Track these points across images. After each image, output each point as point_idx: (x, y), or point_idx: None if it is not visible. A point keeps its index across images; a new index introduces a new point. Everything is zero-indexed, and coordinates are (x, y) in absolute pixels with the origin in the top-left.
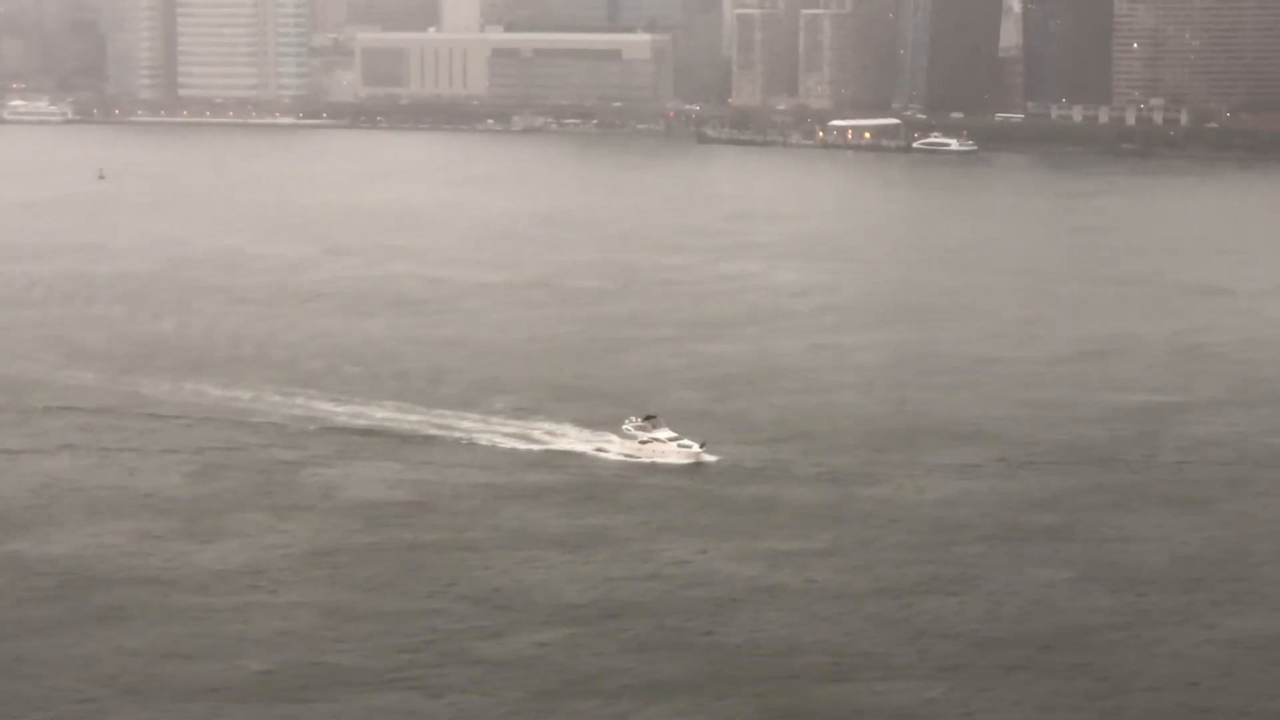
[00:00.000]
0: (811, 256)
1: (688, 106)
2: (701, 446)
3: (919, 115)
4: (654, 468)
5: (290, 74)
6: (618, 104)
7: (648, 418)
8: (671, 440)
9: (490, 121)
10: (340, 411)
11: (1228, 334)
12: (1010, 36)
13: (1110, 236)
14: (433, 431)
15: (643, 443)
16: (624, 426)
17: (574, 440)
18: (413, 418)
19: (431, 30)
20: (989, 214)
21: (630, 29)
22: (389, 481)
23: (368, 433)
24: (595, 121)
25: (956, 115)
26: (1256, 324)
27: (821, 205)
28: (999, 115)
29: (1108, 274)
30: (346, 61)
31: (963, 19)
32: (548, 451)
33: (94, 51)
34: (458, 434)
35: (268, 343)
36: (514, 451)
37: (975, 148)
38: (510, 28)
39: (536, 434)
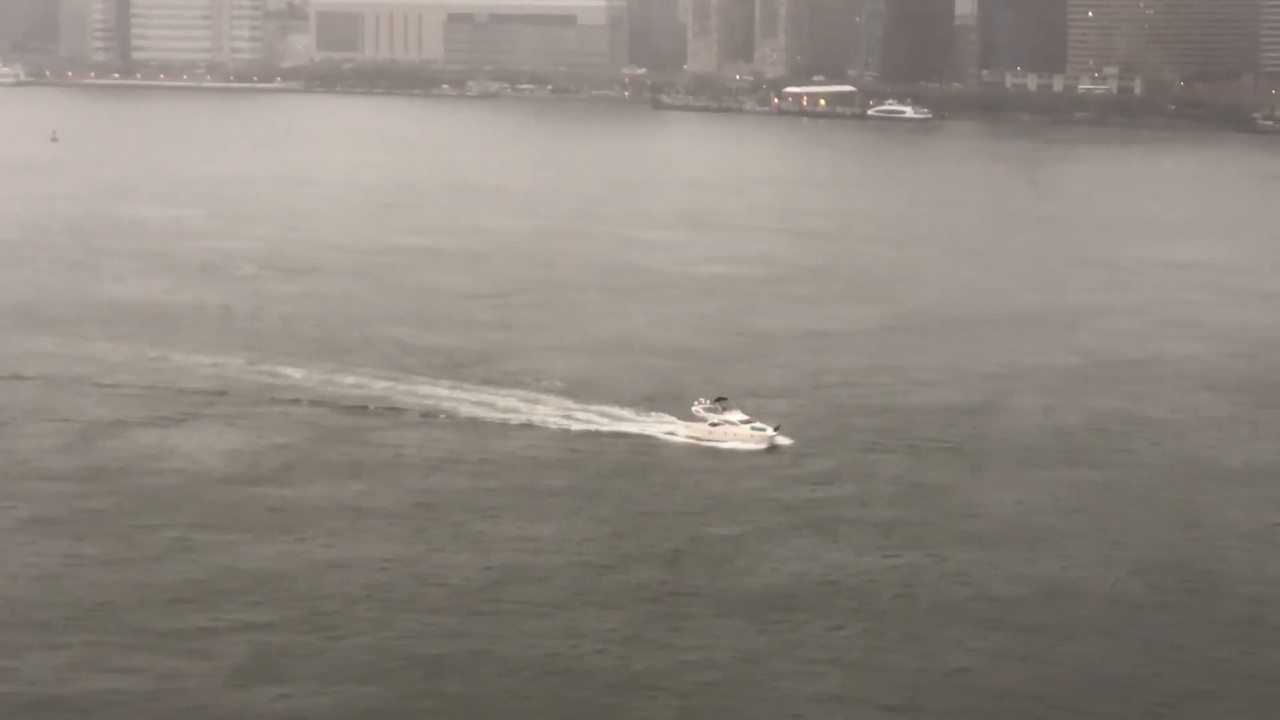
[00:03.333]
0: (737, 228)
1: (643, 73)
2: (776, 430)
3: (875, 82)
4: (729, 452)
5: (244, 37)
6: (573, 70)
7: (718, 399)
8: (744, 423)
9: (445, 87)
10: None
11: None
12: (966, 5)
13: (1052, 208)
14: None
15: (713, 425)
16: (693, 409)
17: (632, 423)
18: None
19: None
20: (931, 185)
21: None
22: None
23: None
24: (550, 87)
25: (912, 83)
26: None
27: (770, 173)
28: (954, 84)
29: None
30: (301, 25)
31: None
32: (609, 434)
33: (47, 14)
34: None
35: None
36: (571, 434)
37: (930, 116)
38: None
39: (588, 415)
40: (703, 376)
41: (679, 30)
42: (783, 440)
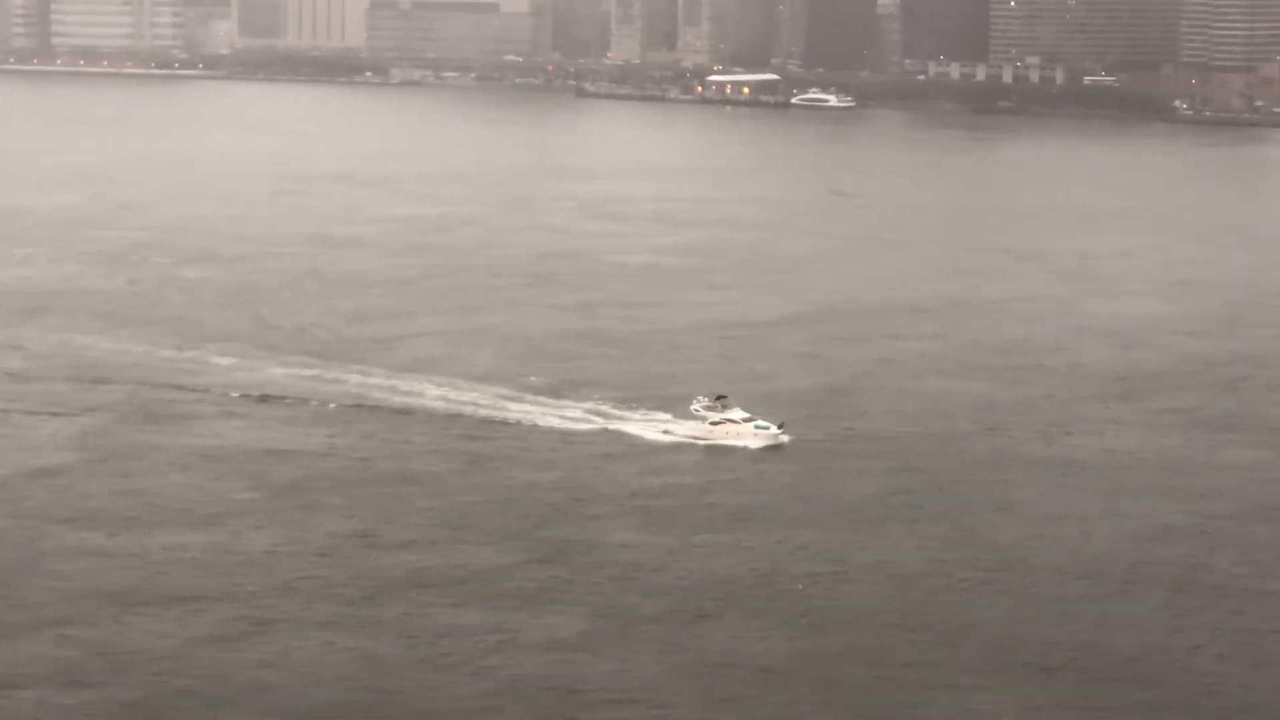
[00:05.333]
0: (655, 217)
1: (567, 60)
2: (780, 427)
3: (798, 71)
4: (731, 450)
5: (166, 24)
6: (497, 58)
7: (718, 398)
8: (746, 421)
9: (369, 74)
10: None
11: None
12: None
13: (972, 196)
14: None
15: (714, 424)
16: (692, 407)
17: (626, 422)
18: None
19: None
20: (852, 173)
21: None
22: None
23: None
24: (474, 75)
25: (835, 71)
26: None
27: (691, 162)
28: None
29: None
30: (223, 12)
31: None
32: (604, 432)
33: None
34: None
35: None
36: (571, 433)
37: (853, 104)
38: None
39: (577, 412)
40: (614, 368)
41: (603, 18)
42: (786, 438)
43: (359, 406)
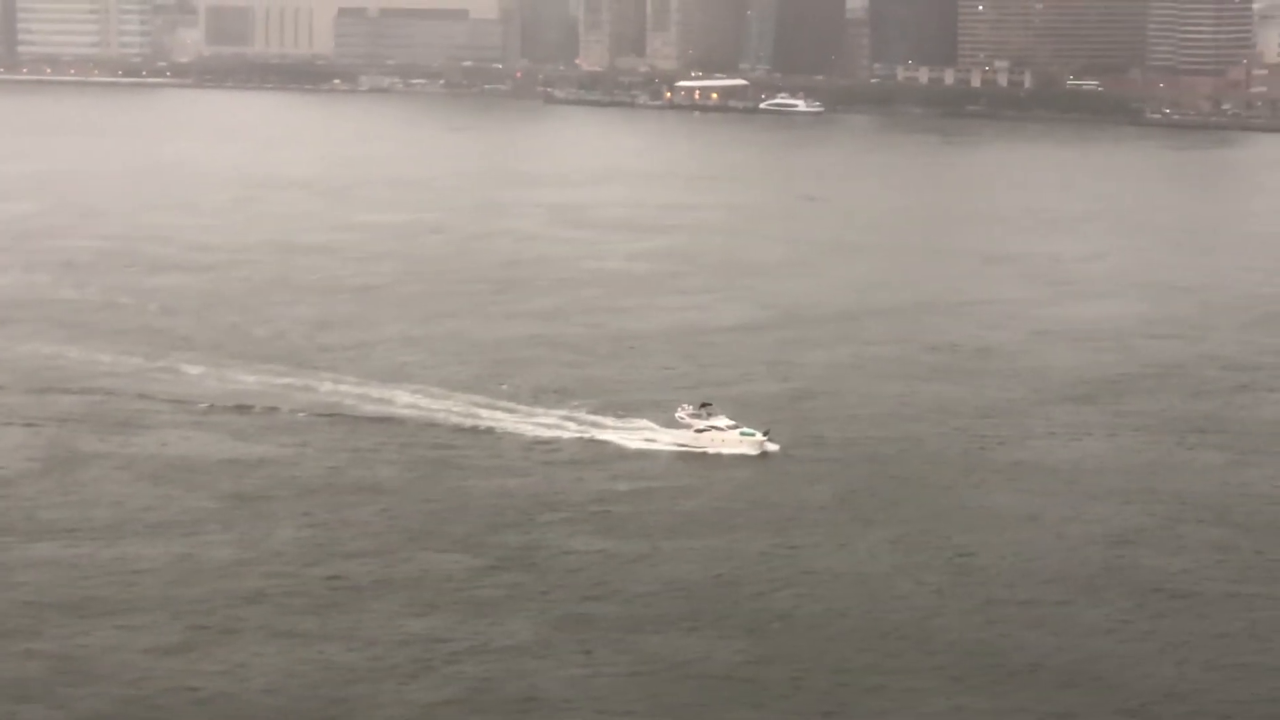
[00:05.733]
0: (623, 222)
1: (535, 66)
2: (765, 435)
3: (766, 76)
4: (714, 457)
5: (133, 32)
6: (465, 64)
7: (703, 405)
8: (732, 428)
9: (337, 81)
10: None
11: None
12: None
13: (942, 200)
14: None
15: (699, 431)
16: (677, 415)
17: (611, 430)
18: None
19: None
20: (821, 178)
21: None
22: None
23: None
24: (442, 82)
25: (804, 77)
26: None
27: (660, 167)
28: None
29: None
30: (190, 20)
31: None
32: (586, 440)
33: None
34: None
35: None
36: (549, 440)
37: (822, 109)
38: None
39: (554, 419)
40: (588, 374)
41: (571, 24)
42: (772, 446)
43: (328, 415)
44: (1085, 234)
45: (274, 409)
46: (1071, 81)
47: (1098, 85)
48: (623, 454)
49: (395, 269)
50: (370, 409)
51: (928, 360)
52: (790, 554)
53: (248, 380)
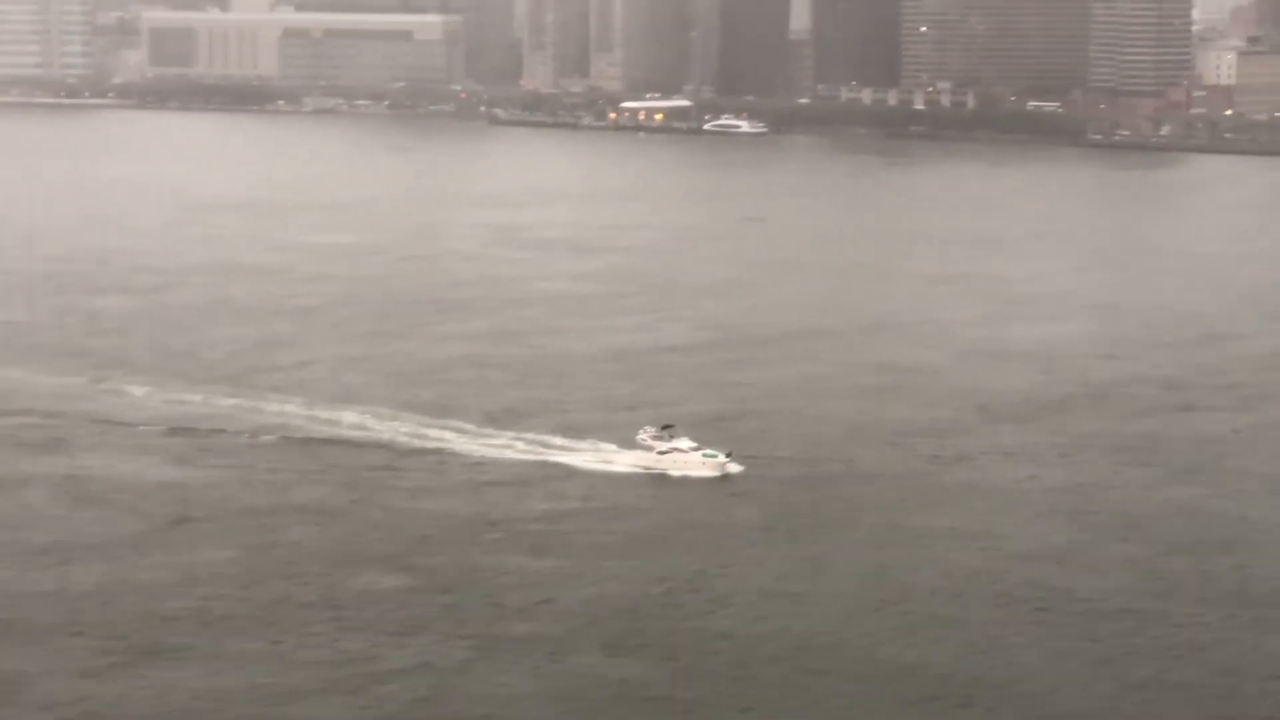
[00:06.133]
0: (564, 243)
1: (480, 88)
2: (728, 456)
3: (710, 97)
4: (679, 481)
5: (76, 53)
6: (409, 85)
7: (665, 427)
8: (694, 450)
9: (281, 102)
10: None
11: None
12: (801, 19)
13: (885, 221)
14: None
15: (661, 453)
16: (638, 436)
17: (570, 453)
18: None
19: (215, 11)
20: (763, 199)
21: (421, 10)
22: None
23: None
24: (387, 103)
25: (748, 98)
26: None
27: (602, 188)
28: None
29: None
30: (134, 41)
31: (754, 1)
32: (554, 465)
33: None
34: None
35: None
36: (510, 464)
37: (766, 130)
38: (301, 8)
39: (509, 443)
40: (534, 395)
41: (515, 46)
42: (735, 467)
43: (271, 436)
44: (1028, 254)
45: (216, 430)
46: (1033, 104)
47: (1058, 107)
48: (583, 476)
49: (337, 290)
50: (315, 430)
51: (873, 380)
52: (723, 573)
53: (190, 401)
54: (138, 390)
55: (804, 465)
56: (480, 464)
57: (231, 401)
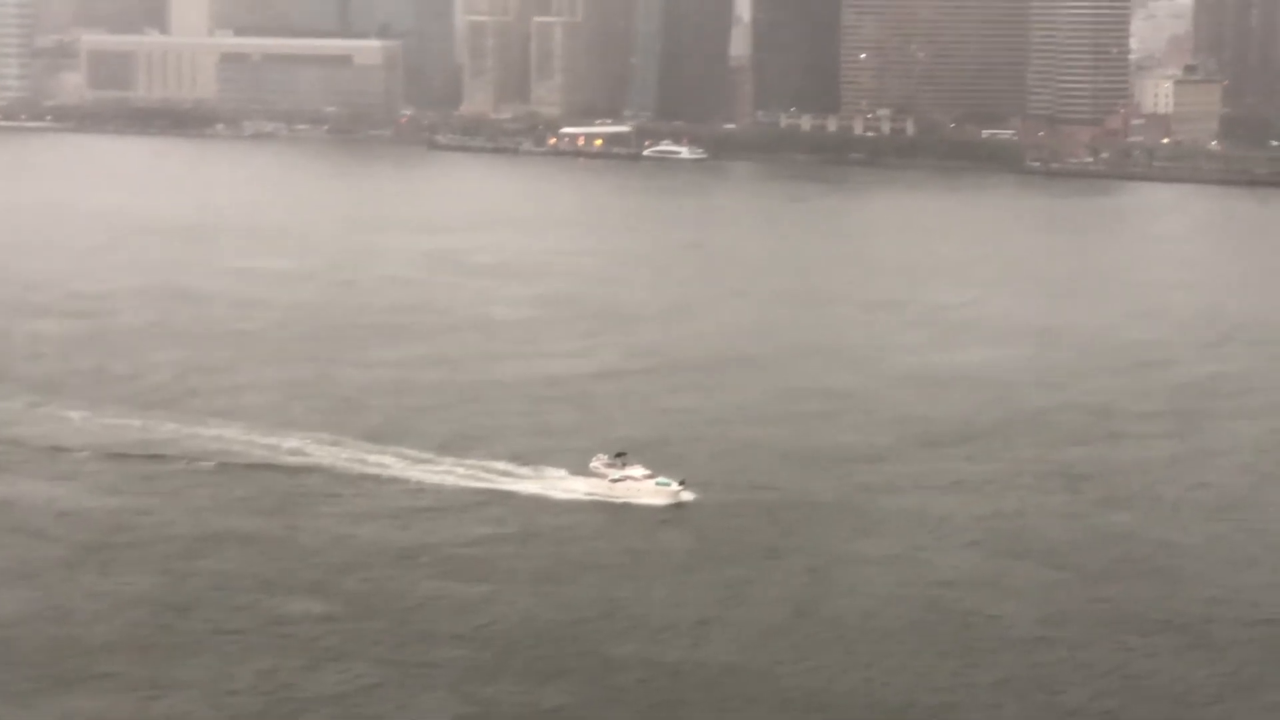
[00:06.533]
0: (502, 269)
1: (419, 113)
2: (681, 484)
3: (650, 123)
4: (632, 509)
5: (13, 75)
6: (349, 110)
7: (618, 455)
8: (648, 478)
9: (220, 126)
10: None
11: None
12: (740, 46)
13: (825, 247)
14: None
15: (614, 481)
16: (591, 464)
17: (523, 480)
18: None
19: (155, 34)
20: (702, 225)
21: (362, 35)
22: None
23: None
24: (326, 127)
25: (688, 124)
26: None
27: (540, 213)
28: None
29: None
30: (72, 64)
31: (694, 28)
32: (497, 492)
33: None
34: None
35: None
36: (451, 490)
37: (705, 156)
38: (240, 32)
39: (480, 471)
40: (477, 421)
41: (455, 71)
42: (688, 495)
43: (207, 462)
44: (966, 281)
45: (153, 456)
46: (987, 132)
47: (1013, 135)
48: (530, 503)
49: (274, 315)
50: (252, 455)
51: (810, 406)
52: (650, 601)
53: (127, 426)
54: (75, 415)
55: (741, 491)
56: (420, 490)
57: (169, 426)
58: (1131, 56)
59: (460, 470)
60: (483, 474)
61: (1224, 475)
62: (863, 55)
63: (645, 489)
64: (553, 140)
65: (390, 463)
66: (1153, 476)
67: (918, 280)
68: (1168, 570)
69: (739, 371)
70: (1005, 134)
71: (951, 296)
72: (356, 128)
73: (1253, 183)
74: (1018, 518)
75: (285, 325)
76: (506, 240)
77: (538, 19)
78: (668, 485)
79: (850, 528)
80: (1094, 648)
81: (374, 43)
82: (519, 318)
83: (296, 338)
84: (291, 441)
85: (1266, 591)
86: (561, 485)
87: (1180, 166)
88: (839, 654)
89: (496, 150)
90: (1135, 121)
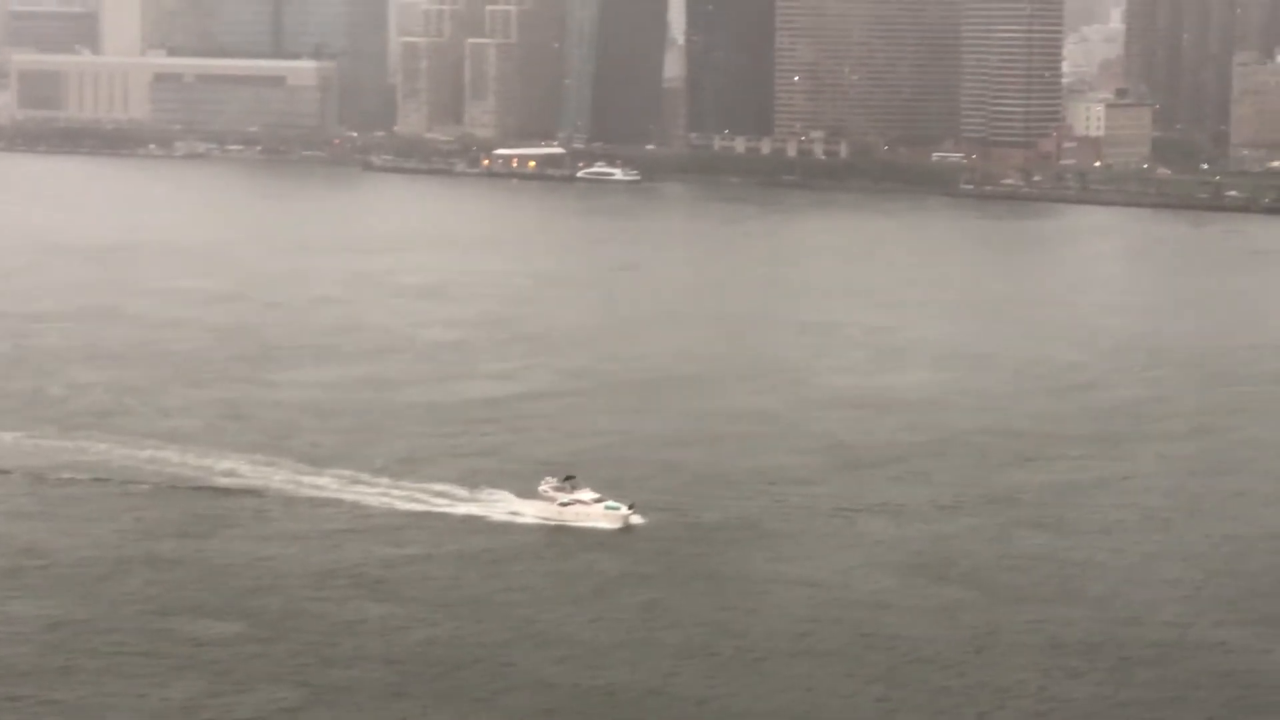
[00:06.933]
0: (431, 290)
1: (353, 134)
2: (630, 508)
3: (584, 144)
4: (583, 533)
5: None
6: (283, 131)
7: (567, 478)
8: (596, 502)
9: (152, 146)
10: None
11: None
12: (674, 68)
13: (755, 269)
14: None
15: (563, 505)
16: (540, 488)
17: (468, 503)
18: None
19: (86, 54)
20: (634, 246)
21: (295, 55)
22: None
23: None
24: (260, 148)
25: (622, 145)
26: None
27: (472, 235)
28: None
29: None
30: (2, 83)
31: (628, 50)
32: (440, 515)
33: None
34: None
35: None
36: (410, 514)
37: (639, 178)
38: (173, 52)
39: (420, 494)
40: (408, 444)
41: (389, 92)
42: (637, 519)
43: (135, 484)
44: (899, 303)
45: (79, 478)
46: (938, 155)
47: (963, 158)
48: (483, 527)
49: (203, 336)
50: (181, 477)
51: (740, 429)
52: (566, 623)
53: (53, 448)
54: (6, 437)
55: (670, 513)
56: (359, 513)
57: (100, 448)
58: (1064, 80)
59: (399, 493)
60: (426, 497)
61: (1151, 497)
62: (796, 78)
63: (594, 512)
64: (486, 161)
65: (327, 484)
66: (1080, 499)
67: (850, 302)
68: (1091, 592)
69: (671, 393)
70: (954, 157)
71: (884, 319)
72: (290, 149)
73: (1184, 206)
74: (938, 540)
75: (216, 346)
76: (440, 261)
77: (472, 40)
78: (617, 509)
79: (781, 550)
80: (1019, 670)
81: (308, 63)
82: (451, 339)
83: (228, 359)
84: (225, 463)
85: (1187, 613)
86: (509, 508)
87: (1111, 189)
88: (762, 677)
89: (431, 171)
90: (1067, 144)
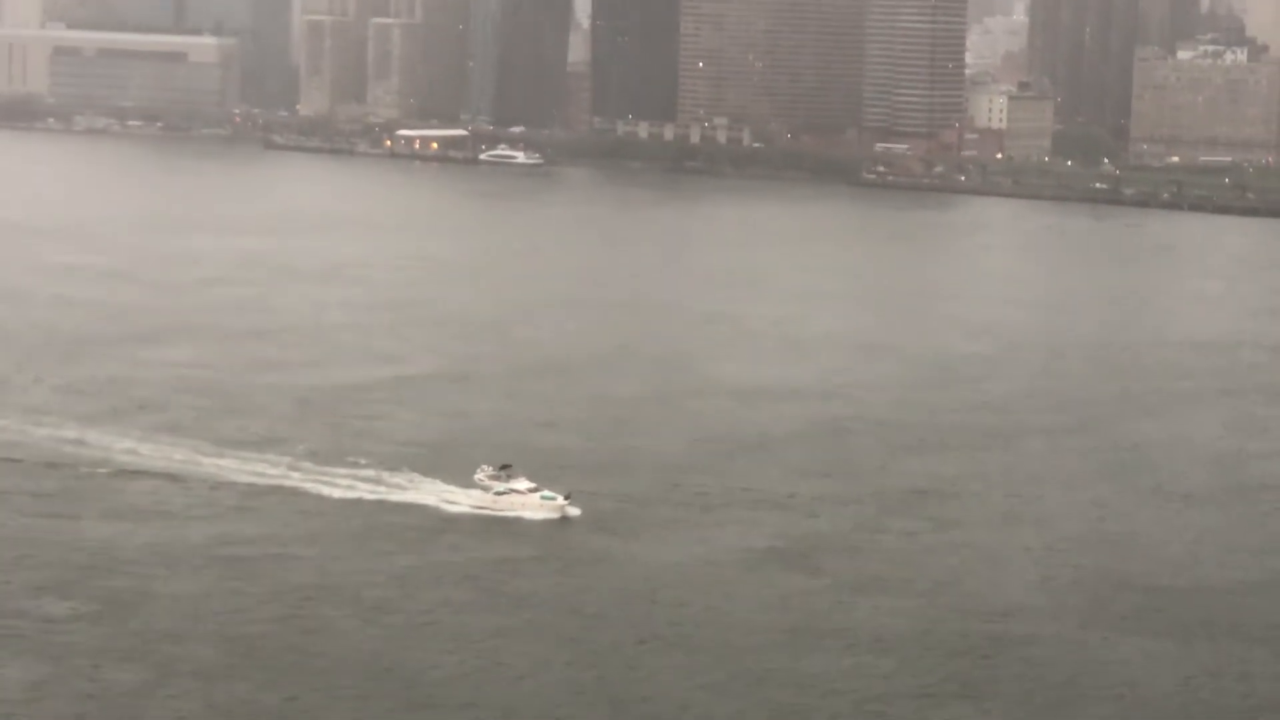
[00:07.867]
0: (328, 272)
1: (256, 112)
2: (566, 498)
3: (487, 127)
4: (516, 522)
5: None
6: (184, 107)
7: (502, 467)
8: (532, 491)
9: (51, 121)
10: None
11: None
12: (579, 52)
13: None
14: None
15: (498, 494)
16: (475, 476)
17: (403, 490)
18: None
19: None
20: (533, 231)
21: (197, 31)
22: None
23: None
24: (160, 124)
25: (522, 129)
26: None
27: (371, 216)
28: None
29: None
30: None
31: (532, 33)
32: (381, 503)
33: None
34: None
35: None
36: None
37: (542, 161)
38: (73, 25)
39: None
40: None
41: (292, 70)
42: (574, 510)
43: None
44: (796, 293)
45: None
46: (879, 145)
47: (907, 149)
48: (415, 514)
49: (91, 314)
50: (62, 454)
51: (627, 414)
52: (432, 612)
53: None
54: None
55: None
56: (253, 492)
57: None
58: (967, 71)
59: (248, 469)
60: (356, 483)
61: (1027, 490)
62: (700, 64)
63: (530, 502)
64: (389, 142)
65: (227, 464)
66: (958, 490)
67: (750, 291)
68: (932, 582)
69: (561, 379)
70: (899, 148)
71: (782, 309)
72: (190, 125)
73: (1085, 199)
74: (809, 529)
75: (99, 324)
76: (337, 243)
77: (376, 20)
78: (553, 499)
79: (642, 536)
80: (824, 658)
81: (209, 40)
82: (346, 322)
83: (116, 338)
84: (125, 442)
85: (1019, 606)
86: (444, 497)
87: (1013, 182)
88: (589, 666)
89: (333, 151)
90: (969, 136)
